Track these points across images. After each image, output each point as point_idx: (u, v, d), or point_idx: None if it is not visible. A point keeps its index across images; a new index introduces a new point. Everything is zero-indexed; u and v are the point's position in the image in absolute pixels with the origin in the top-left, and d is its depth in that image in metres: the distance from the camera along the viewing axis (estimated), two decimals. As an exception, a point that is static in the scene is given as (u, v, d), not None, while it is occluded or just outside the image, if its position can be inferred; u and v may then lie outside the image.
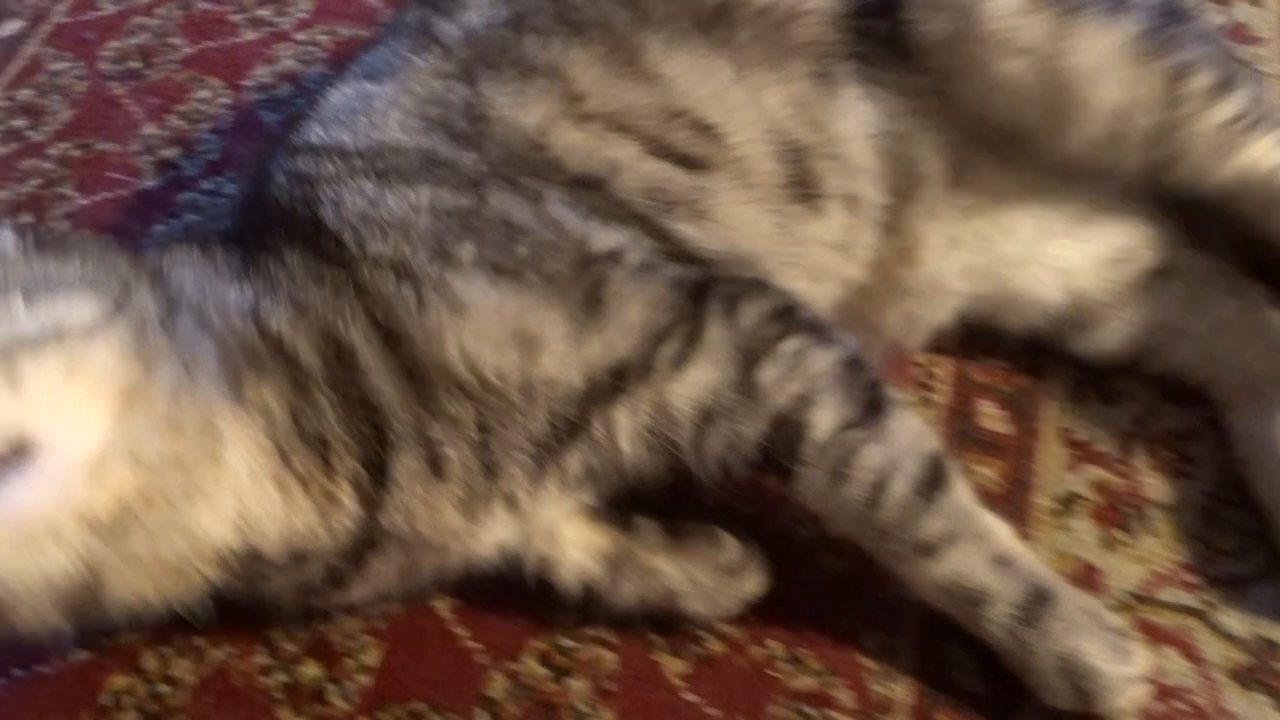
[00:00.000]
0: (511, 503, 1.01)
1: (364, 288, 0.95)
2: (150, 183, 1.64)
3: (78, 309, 0.89)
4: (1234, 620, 1.05)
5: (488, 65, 1.09)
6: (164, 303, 0.96)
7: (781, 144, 1.12)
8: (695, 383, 0.97)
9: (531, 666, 1.08)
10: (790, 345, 0.98)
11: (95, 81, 1.82)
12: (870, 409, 0.98)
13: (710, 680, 1.05)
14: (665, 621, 1.08)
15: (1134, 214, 1.20)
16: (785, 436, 0.97)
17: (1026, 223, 1.19)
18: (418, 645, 1.11)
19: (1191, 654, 1.04)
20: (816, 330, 1.01)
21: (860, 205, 1.14)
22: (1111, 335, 1.20)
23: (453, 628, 1.12)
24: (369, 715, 1.07)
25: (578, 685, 1.06)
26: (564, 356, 0.95)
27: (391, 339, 0.94)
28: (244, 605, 1.02)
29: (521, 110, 1.06)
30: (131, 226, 1.58)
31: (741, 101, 1.12)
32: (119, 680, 1.11)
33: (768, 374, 0.97)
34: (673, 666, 1.06)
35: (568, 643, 1.09)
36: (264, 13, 1.88)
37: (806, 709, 1.03)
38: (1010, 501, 1.14)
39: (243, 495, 0.94)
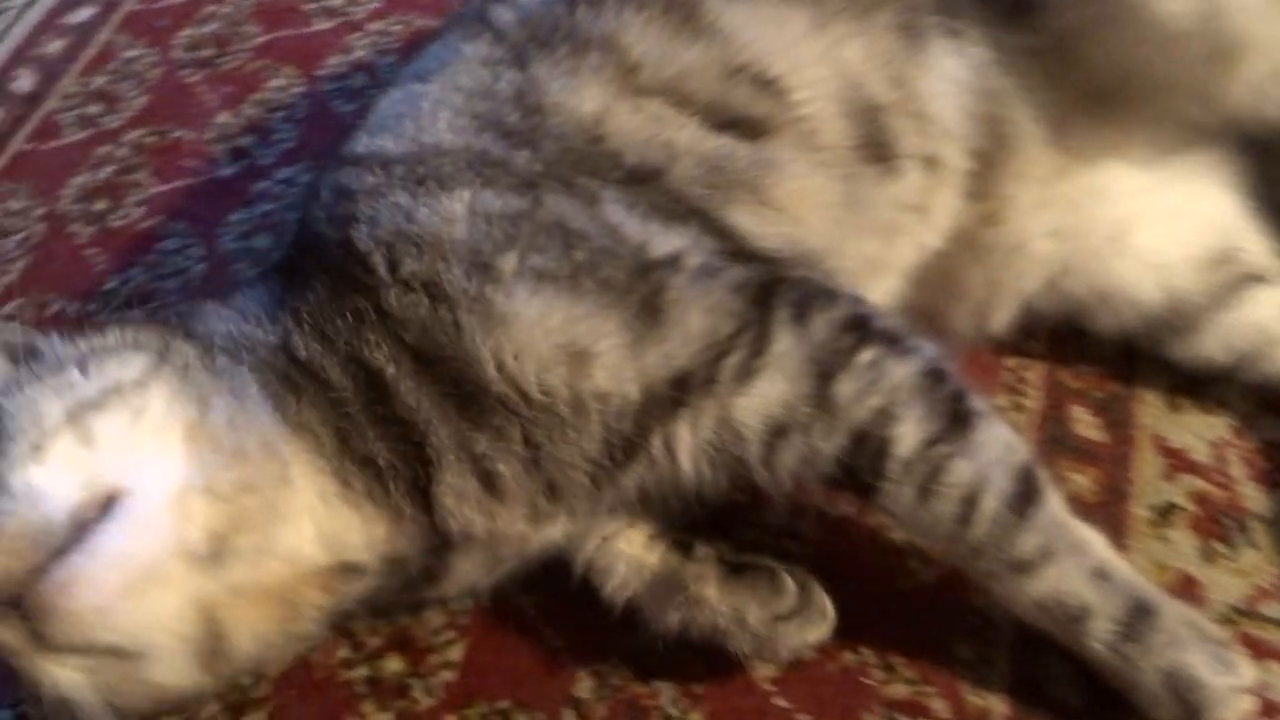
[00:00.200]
0: (572, 512, 0.99)
1: (389, 312, 0.93)
2: (225, 171, 1.64)
3: (128, 367, 0.93)
4: (1339, 637, 1.03)
5: (540, 45, 1.07)
6: (199, 348, 0.98)
7: (856, 102, 1.08)
8: (764, 396, 0.93)
9: (618, 667, 1.07)
10: (866, 356, 0.95)
11: (168, 69, 1.83)
12: (955, 421, 0.94)
13: (800, 685, 1.03)
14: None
15: (1234, 211, 1.17)
16: (866, 453, 0.93)
17: (1120, 188, 1.15)
18: (502, 641, 1.10)
19: (1296, 670, 1.01)
20: (892, 339, 0.97)
21: (940, 167, 1.11)
22: (1209, 341, 1.16)
23: (538, 625, 1.10)
24: (454, 711, 1.06)
25: (665, 687, 1.05)
26: (618, 368, 0.92)
27: (423, 359, 0.93)
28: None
29: (575, 95, 1.04)
30: (206, 214, 1.59)
31: (814, 55, 1.08)
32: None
33: (845, 387, 0.94)
34: (762, 670, 1.04)
35: (656, 643, 1.07)
36: (336, 2, 1.88)
37: (900, 718, 1.01)
38: (1106, 511, 1.11)
39: (316, 514, 0.95)
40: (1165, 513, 1.11)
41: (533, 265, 0.93)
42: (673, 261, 0.96)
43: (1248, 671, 0.95)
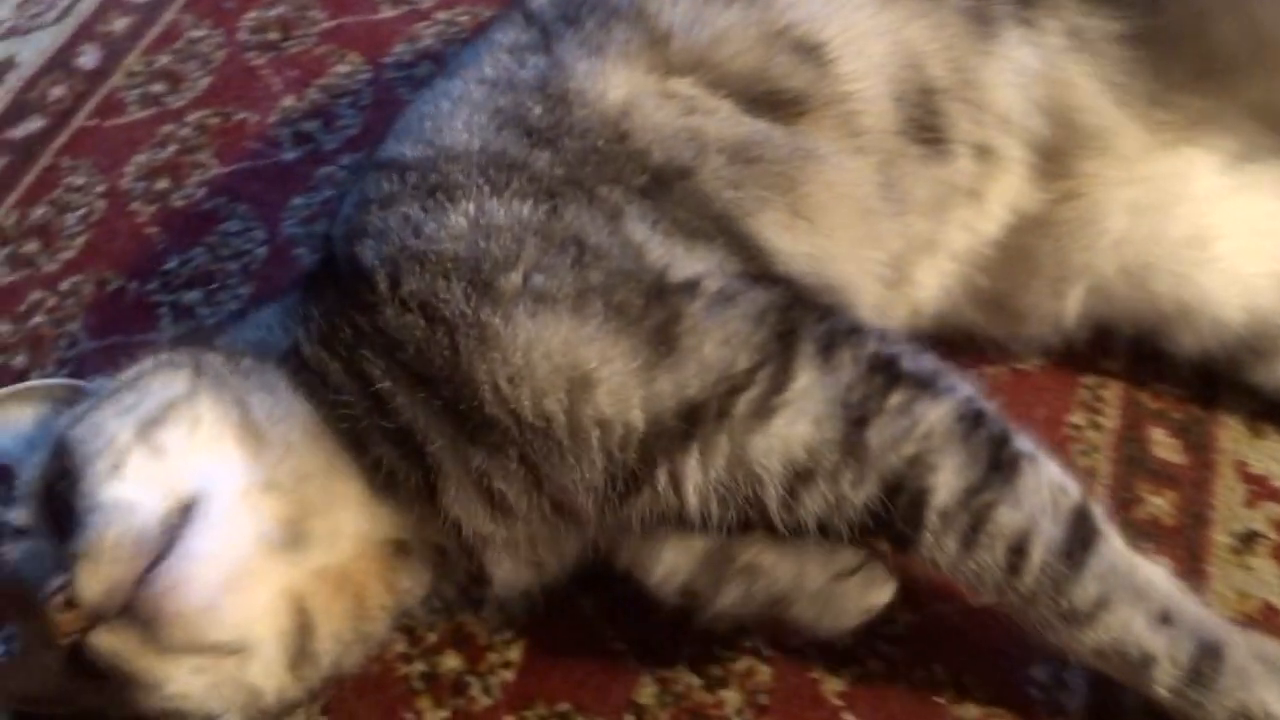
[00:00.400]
0: (582, 529, 0.97)
1: (385, 330, 0.93)
2: (288, 155, 1.63)
3: (174, 383, 0.96)
4: None
5: (568, 22, 1.06)
6: (224, 355, 1.01)
7: (909, 82, 1.06)
8: (784, 437, 0.89)
9: (683, 674, 1.05)
10: (897, 399, 0.91)
11: (233, 50, 1.82)
12: (997, 467, 0.90)
13: (869, 701, 1.01)
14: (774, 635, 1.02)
15: None
16: (902, 503, 0.89)
17: (1205, 185, 1.11)
18: (563, 643, 1.09)
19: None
20: (923, 381, 0.93)
21: (994, 157, 1.09)
22: (1292, 366, 1.13)
23: (599, 627, 1.09)
24: (513, 713, 1.05)
25: (731, 696, 1.03)
26: (622, 394, 0.89)
27: (419, 378, 0.92)
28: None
29: (601, 79, 1.02)
30: (269, 198, 1.58)
31: (872, 27, 1.06)
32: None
33: (875, 433, 0.89)
34: (830, 684, 1.02)
35: (722, 652, 1.05)
36: (404, -10, 1.87)
37: (971, 739, 0.98)
38: (1185, 536, 1.09)
39: (365, 498, 0.96)
40: (1247, 540, 1.08)
41: (535, 285, 0.91)
42: (691, 287, 0.93)
43: None
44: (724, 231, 0.99)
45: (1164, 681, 0.88)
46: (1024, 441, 0.93)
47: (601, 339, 0.90)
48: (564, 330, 0.90)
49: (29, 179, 1.70)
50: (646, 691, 1.04)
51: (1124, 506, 1.10)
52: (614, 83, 1.02)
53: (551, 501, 0.94)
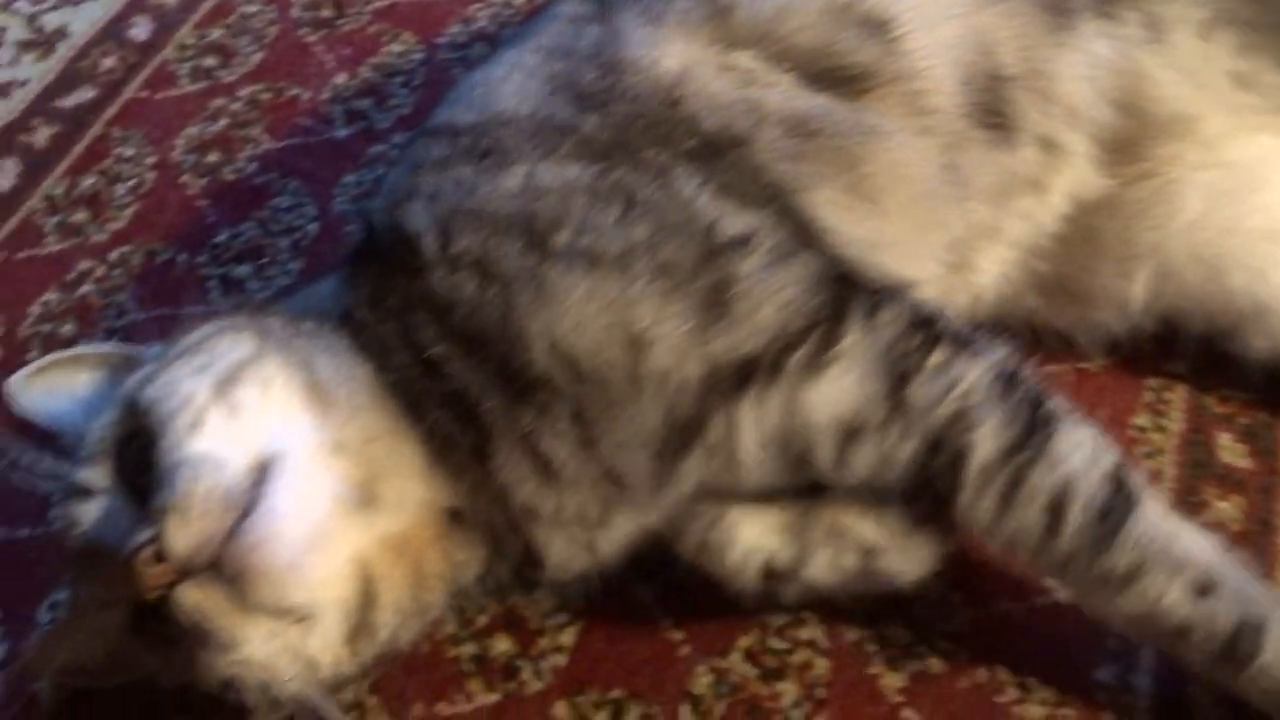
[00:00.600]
0: (636, 504, 0.96)
1: (433, 292, 0.93)
2: (340, 132, 1.63)
3: (240, 344, 0.95)
4: None
5: None
6: (284, 319, 1.01)
7: (978, 67, 1.04)
8: (833, 393, 0.90)
9: (739, 665, 1.03)
10: (937, 357, 0.91)
11: (286, 26, 1.81)
12: (1035, 426, 0.90)
13: (930, 698, 0.99)
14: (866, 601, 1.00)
15: None
16: (942, 461, 0.89)
17: None
18: (617, 630, 1.07)
19: None
20: (963, 340, 0.93)
21: (1059, 151, 1.07)
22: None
23: (655, 615, 1.07)
24: (565, 698, 1.03)
25: (787, 689, 1.01)
26: (679, 351, 0.90)
27: (468, 340, 0.92)
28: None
29: (656, 48, 1.01)
30: (321, 174, 1.57)
31: (945, 10, 1.04)
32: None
33: (918, 391, 0.90)
34: (889, 680, 1.01)
35: (778, 644, 1.04)
36: (459, -31, 1.85)
37: (1034, 740, 0.97)
38: (1253, 542, 1.06)
39: (424, 463, 0.95)
40: (1316, 548, 1.07)
41: (585, 244, 0.91)
42: (743, 242, 0.92)
43: None
44: (775, 201, 0.98)
45: (1200, 652, 0.87)
46: (1060, 403, 0.93)
47: (652, 298, 0.90)
48: (615, 291, 0.90)
49: (79, 148, 1.70)
50: (702, 681, 1.03)
51: (1190, 511, 1.07)
52: (670, 51, 1.02)
53: (601, 466, 0.93)
